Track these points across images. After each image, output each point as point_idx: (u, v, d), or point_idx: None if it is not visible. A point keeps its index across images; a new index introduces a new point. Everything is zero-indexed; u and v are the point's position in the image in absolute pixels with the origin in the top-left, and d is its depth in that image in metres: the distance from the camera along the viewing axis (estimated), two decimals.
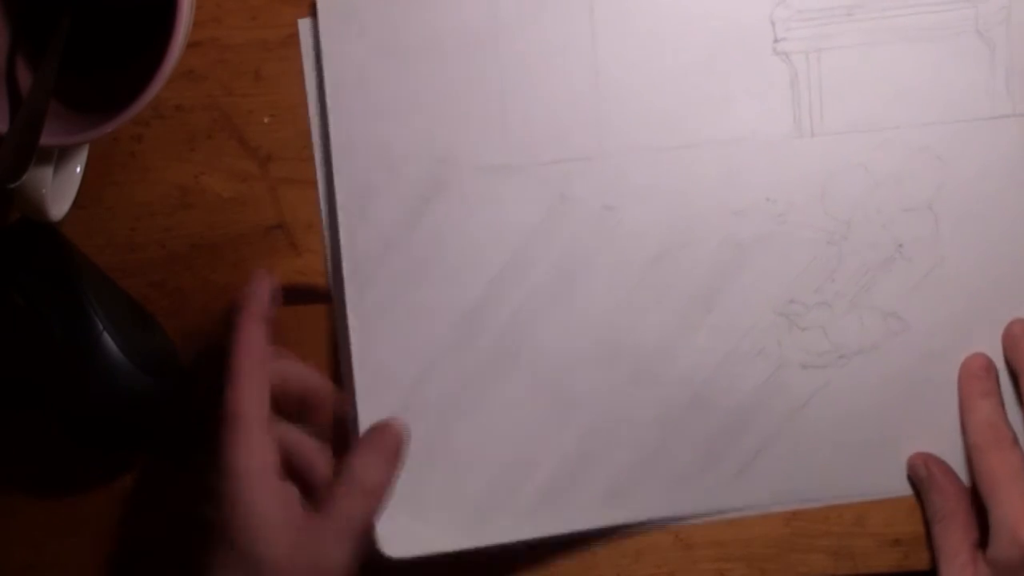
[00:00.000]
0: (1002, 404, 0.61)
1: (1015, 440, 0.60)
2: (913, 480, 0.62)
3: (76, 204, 0.61)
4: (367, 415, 0.62)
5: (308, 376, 0.58)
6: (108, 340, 0.59)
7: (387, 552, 0.61)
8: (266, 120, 0.61)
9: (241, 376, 0.55)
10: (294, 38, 0.61)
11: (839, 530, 0.62)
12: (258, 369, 0.55)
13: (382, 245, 0.61)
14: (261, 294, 0.57)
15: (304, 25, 0.60)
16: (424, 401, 0.62)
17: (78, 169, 0.61)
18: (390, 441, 0.57)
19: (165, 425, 0.63)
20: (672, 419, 0.61)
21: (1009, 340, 0.61)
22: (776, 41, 0.59)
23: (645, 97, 0.60)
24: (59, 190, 0.60)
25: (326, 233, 0.62)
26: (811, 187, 0.60)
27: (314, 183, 0.62)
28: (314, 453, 0.58)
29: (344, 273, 0.62)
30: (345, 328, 0.62)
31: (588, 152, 0.60)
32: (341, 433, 0.63)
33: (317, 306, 0.62)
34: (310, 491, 0.56)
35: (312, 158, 0.61)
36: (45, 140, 0.53)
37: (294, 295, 0.62)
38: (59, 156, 0.59)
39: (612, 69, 0.60)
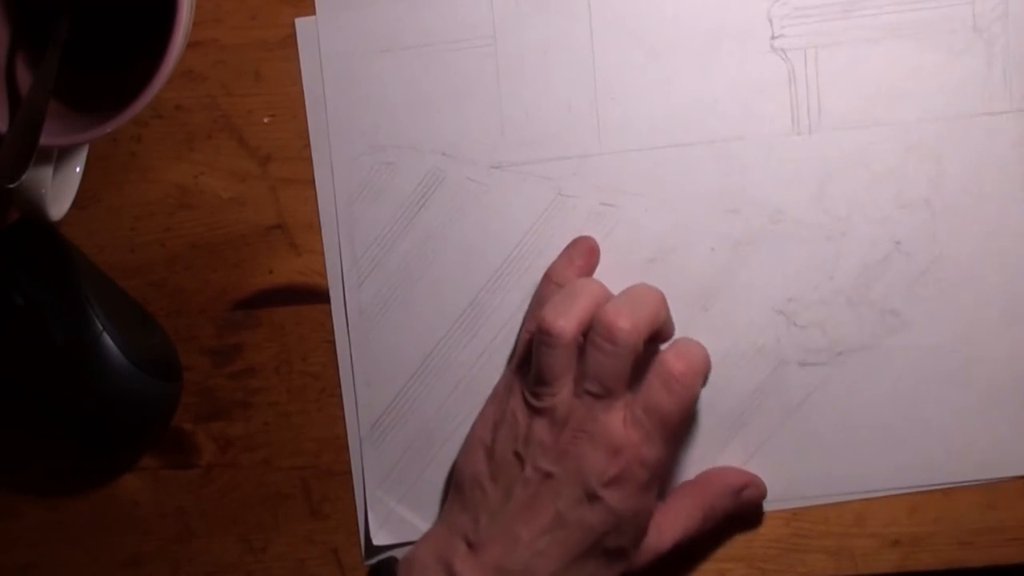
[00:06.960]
0: None
1: None
2: None
3: (76, 204, 0.62)
4: (367, 413, 0.62)
5: None
6: (108, 340, 0.59)
7: (376, 542, 0.62)
8: (266, 120, 0.62)
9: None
10: (293, 38, 0.61)
11: (839, 530, 0.62)
12: None
13: (381, 244, 0.61)
14: None
15: (302, 25, 0.61)
16: (422, 397, 0.62)
17: (78, 169, 0.61)
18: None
19: (165, 425, 0.63)
20: None
21: None
22: (773, 38, 0.59)
23: (642, 95, 0.60)
24: (59, 190, 0.60)
25: (326, 233, 0.62)
26: (809, 184, 0.60)
27: (314, 183, 0.62)
28: None
29: (343, 273, 0.62)
30: (344, 327, 0.62)
31: (586, 150, 0.60)
32: (337, 433, 0.63)
33: (317, 306, 0.62)
34: None
35: (312, 158, 0.62)
36: (45, 140, 0.53)
37: (294, 295, 0.62)
38: (59, 156, 0.59)
39: (609, 66, 0.60)
